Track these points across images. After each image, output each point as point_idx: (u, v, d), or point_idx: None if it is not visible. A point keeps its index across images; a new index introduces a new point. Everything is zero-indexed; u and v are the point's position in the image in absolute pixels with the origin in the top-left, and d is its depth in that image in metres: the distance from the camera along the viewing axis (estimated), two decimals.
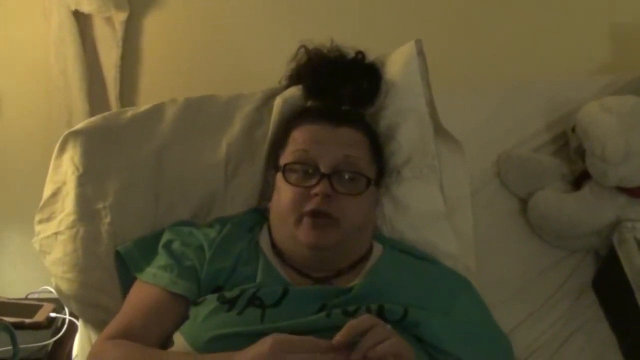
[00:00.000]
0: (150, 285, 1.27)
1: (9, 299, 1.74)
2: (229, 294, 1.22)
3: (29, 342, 1.54)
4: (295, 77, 1.49)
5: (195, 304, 1.24)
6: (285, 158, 1.32)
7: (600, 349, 1.50)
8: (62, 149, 1.42)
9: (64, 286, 1.39)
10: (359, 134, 1.35)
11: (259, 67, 1.83)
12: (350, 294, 1.24)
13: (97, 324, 1.39)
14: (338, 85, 1.41)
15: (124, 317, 1.25)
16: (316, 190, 1.25)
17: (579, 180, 1.62)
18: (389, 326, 1.08)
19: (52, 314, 1.64)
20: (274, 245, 1.33)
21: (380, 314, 1.19)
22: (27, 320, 1.61)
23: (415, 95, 1.45)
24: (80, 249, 1.36)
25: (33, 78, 1.92)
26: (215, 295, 1.22)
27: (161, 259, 1.30)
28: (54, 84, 1.88)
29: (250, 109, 1.49)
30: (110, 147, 1.42)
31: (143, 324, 1.23)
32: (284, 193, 1.29)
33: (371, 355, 1.04)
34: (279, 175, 1.31)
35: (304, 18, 1.87)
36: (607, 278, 1.56)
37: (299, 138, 1.33)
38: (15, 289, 1.86)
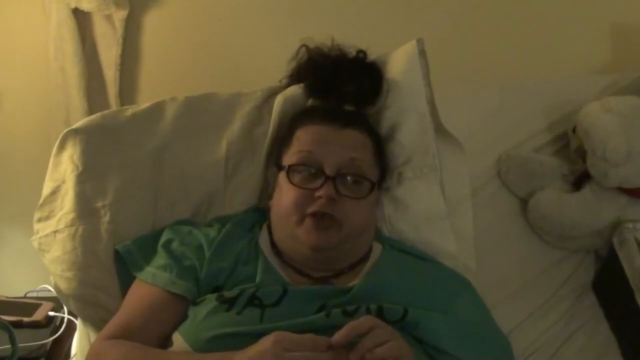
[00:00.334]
0: (150, 284, 1.27)
1: (7, 297, 1.73)
2: (228, 294, 1.22)
3: (27, 341, 1.53)
4: (296, 76, 1.49)
5: (195, 303, 1.24)
6: (289, 157, 1.32)
7: (600, 349, 1.50)
8: (62, 147, 1.42)
9: (63, 285, 1.38)
10: (363, 136, 1.34)
11: (260, 65, 1.83)
12: (349, 294, 1.24)
13: (96, 323, 1.38)
14: (339, 84, 1.41)
15: (123, 316, 1.25)
16: (320, 192, 1.25)
17: (580, 180, 1.62)
18: (390, 328, 1.07)
19: (51, 313, 1.63)
20: (273, 244, 1.33)
21: (380, 314, 1.18)
22: (26, 319, 1.60)
23: (417, 94, 1.45)
24: (79, 248, 1.36)
25: (32, 75, 1.91)
26: (214, 295, 1.22)
27: (160, 258, 1.30)
28: (53, 82, 1.87)
29: (251, 107, 1.49)
30: (110, 145, 1.42)
31: (142, 324, 1.23)
32: (286, 193, 1.28)
33: (369, 357, 1.04)
34: (282, 175, 1.31)
35: (304, 16, 1.86)
36: (608, 279, 1.56)
37: (303, 138, 1.32)
38: (14, 287, 1.85)
